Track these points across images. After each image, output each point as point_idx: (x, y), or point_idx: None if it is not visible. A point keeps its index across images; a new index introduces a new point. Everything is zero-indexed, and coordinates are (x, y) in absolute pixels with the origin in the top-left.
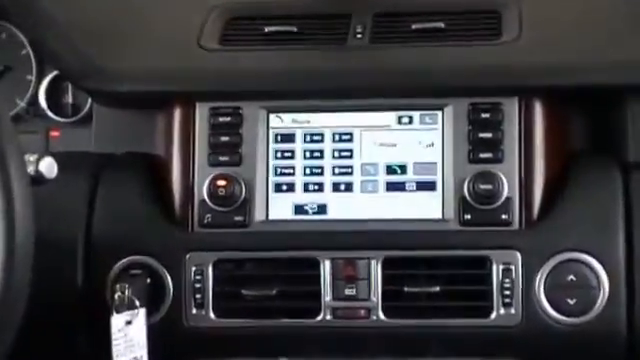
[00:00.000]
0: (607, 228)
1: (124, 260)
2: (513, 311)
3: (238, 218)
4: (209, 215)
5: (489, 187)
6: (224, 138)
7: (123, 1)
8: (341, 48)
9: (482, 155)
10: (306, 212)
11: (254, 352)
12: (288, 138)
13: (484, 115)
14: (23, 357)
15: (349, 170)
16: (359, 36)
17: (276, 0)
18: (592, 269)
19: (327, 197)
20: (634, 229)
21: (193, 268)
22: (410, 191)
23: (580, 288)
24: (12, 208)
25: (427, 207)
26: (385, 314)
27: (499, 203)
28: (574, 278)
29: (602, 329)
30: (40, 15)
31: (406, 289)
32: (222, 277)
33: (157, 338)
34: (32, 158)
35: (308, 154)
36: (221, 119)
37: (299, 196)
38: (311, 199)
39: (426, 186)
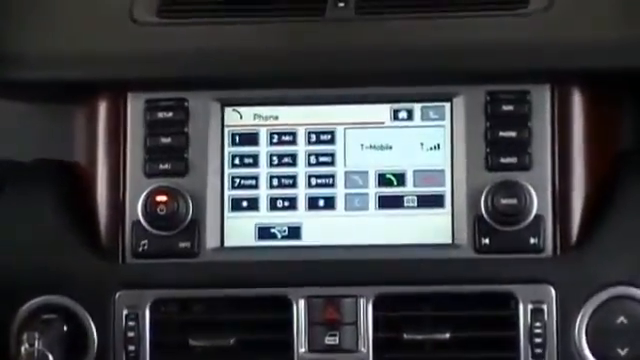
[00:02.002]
0: None
1: (33, 301)
2: None
3: (184, 245)
4: (145, 241)
5: (513, 202)
6: (165, 139)
7: None
8: (318, 21)
9: (504, 160)
10: (273, 236)
11: None
12: (249, 139)
13: (506, 107)
14: None
15: (329, 181)
16: (341, 4)
17: None
18: None
19: (301, 217)
20: None
21: (124, 311)
22: (410, 208)
23: (633, 333)
24: None
25: (432, 229)
26: None
27: (526, 223)
28: (625, 320)
29: None
30: None
31: (406, 336)
32: (163, 323)
33: None
34: None
35: (276, 160)
36: (160, 114)
37: (264, 215)
38: (280, 219)
39: (431, 201)
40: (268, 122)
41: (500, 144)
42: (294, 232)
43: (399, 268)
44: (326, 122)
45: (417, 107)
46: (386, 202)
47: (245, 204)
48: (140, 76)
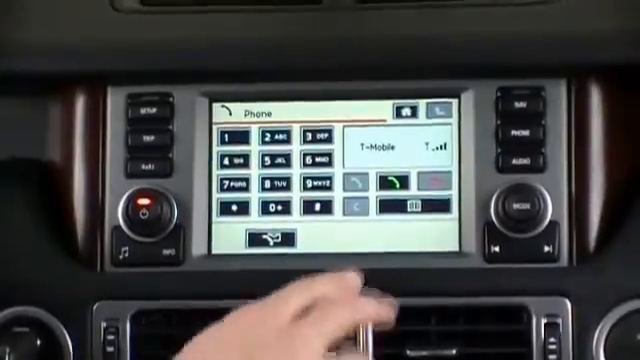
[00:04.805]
0: None
1: (3, 313)
2: None
3: (168, 252)
4: (126, 248)
5: (526, 207)
6: (148, 137)
7: None
8: (315, 9)
9: (516, 161)
10: (265, 243)
11: None
12: (239, 137)
13: (518, 104)
14: None
15: (326, 183)
16: None
17: None
18: None
19: (295, 222)
20: None
21: (103, 324)
22: (413, 213)
23: None
24: None
25: (438, 236)
26: None
27: (540, 230)
28: None
29: None
30: None
31: (409, 353)
32: (145, 337)
33: None
34: None
35: (268, 160)
36: (143, 110)
37: (255, 221)
38: (273, 225)
39: (436, 206)
40: (260, 119)
41: (512, 144)
42: (288, 239)
43: (401, 278)
44: (323, 119)
45: (422, 103)
46: (388, 206)
47: (235, 208)
48: (121, 68)
